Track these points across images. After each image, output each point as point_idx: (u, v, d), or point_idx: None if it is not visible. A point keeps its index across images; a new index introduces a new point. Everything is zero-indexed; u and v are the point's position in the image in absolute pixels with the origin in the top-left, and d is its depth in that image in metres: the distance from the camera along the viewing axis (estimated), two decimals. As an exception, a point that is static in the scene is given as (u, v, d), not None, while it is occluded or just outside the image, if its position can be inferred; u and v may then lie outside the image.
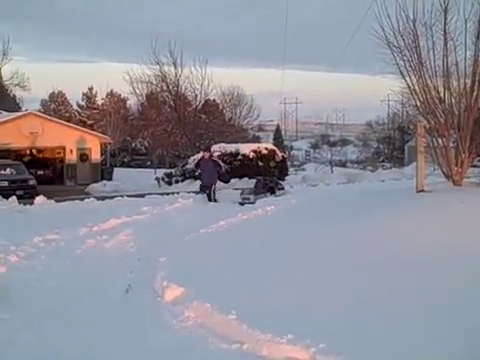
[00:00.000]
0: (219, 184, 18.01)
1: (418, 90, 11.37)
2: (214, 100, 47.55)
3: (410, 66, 11.32)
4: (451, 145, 11.30)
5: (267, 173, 20.00)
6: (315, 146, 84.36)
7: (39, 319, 6.04)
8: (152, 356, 5.03)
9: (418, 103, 11.65)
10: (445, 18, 10.83)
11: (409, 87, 11.52)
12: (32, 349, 5.19)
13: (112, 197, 18.57)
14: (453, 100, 11.31)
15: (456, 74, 11.10)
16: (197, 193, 17.14)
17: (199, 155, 18.43)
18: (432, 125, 11.43)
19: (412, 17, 11.01)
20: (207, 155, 17.88)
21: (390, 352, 4.44)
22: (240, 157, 27.72)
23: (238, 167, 26.97)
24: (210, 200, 16.69)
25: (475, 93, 10.92)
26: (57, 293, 7.06)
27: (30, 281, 7.55)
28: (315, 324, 5.04)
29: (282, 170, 27.27)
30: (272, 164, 24.00)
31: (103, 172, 32.92)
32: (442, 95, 11.22)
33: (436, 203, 9.27)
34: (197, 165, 17.94)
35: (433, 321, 4.88)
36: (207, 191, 16.94)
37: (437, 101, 11.27)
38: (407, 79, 11.46)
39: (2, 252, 8.70)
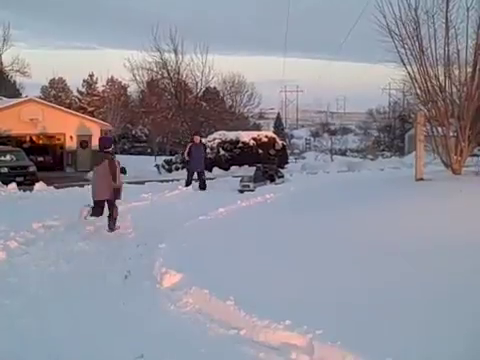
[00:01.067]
0: (219, 171, 17.97)
1: (419, 78, 11.33)
2: (215, 87, 47.42)
3: (411, 54, 11.28)
4: (451, 134, 11.29)
5: (267, 161, 19.97)
6: (315, 134, 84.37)
7: (38, 305, 6.09)
8: (150, 341, 5.07)
9: (419, 92, 11.61)
10: (447, 6, 10.77)
11: (410, 75, 11.49)
12: (32, 334, 5.23)
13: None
14: (454, 89, 11.28)
15: (457, 63, 11.07)
16: (187, 184, 16.64)
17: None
18: (432, 114, 11.41)
19: (414, 5, 10.97)
20: (198, 139, 17.50)
21: (387, 338, 4.47)
22: (240, 145, 27.76)
23: (238, 155, 27.03)
24: (204, 187, 16.63)
25: (476, 82, 10.88)
26: (56, 279, 7.10)
27: (29, 267, 7.59)
28: (313, 311, 5.07)
29: (282, 158, 27.28)
30: (272, 152, 23.94)
31: (103, 159, 32.92)
32: (443, 84, 11.19)
33: (435, 191, 9.28)
34: (189, 153, 16.95)
35: (433, 308, 4.91)
36: (203, 177, 16.92)
37: (438, 90, 11.24)
38: (408, 67, 11.42)
39: (2, 238, 8.74)
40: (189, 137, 35.60)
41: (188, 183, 16.70)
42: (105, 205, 10.37)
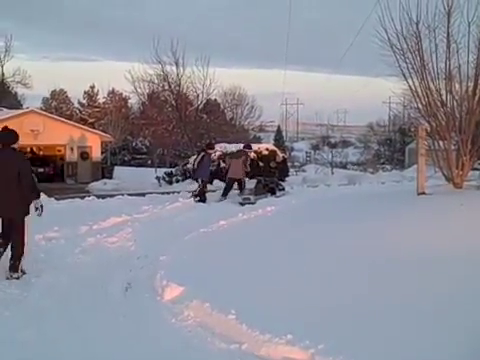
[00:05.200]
0: (220, 183, 17.94)
1: (420, 92, 11.33)
2: (215, 100, 47.54)
3: (412, 68, 11.29)
4: (452, 148, 11.28)
5: (268, 173, 19.94)
6: (316, 147, 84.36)
7: (38, 316, 6.05)
8: (151, 355, 5.04)
9: (420, 106, 11.61)
10: (448, 21, 10.80)
11: (411, 89, 11.48)
12: (32, 346, 5.20)
13: (112, 195, 18.56)
14: (455, 103, 11.28)
15: (458, 77, 11.08)
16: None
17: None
18: (433, 128, 11.41)
19: (415, 19, 10.99)
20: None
21: (389, 353, 4.44)
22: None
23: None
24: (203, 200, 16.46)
25: (477, 96, 10.89)
26: (56, 291, 7.05)
27: (29, 279, 7.54)
28: (314, 325, 5.05)
29: (283, 171, 27.24)
30: (273, 165, 23.90)
31: (104, 170, 33.01)
32: (444, 98, 11.20)
33: (437, 206, 9.26)
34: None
35: (434, 323, 4.87)
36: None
37: (439, 104, 11.24)
38: (409, 81, 11.43)
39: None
40: (189, 149, 35.86)
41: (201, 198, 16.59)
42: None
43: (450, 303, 5.25)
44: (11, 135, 7.84)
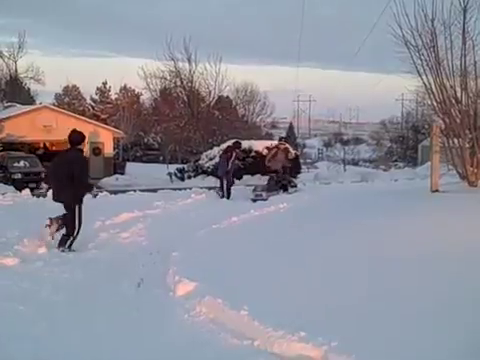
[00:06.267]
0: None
1: (434, 89, 11.27)
2: (227, 96, 47.54)
3: (427, 65, 11.23)
4: (467, 145, 11.20)
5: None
6: (328, 144, 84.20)
7: (52, 311, 6.06)
8: (163, 350, 5.03)
9: (434, 103, 11.55)
10: (464, 17, 10.74)
11: (426, 86, 11.43)
12: (45, 340, 5.21)
13: (124, 191, 18.62)
14: (470, 100, 11.20)
15: (474, 74, 11.00)
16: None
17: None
18: (448, 125, 11.33)
19: (430, 16, 10.93)
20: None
21: (402, 351, 4.40)
22: (253, 154, 27.70)
23: (251, 164, 26.95)
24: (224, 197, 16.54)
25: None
26: (69, 285, 7.08)
27: (43, 273, 7.59)
28: (328, 322, 5.02)
29: (295, 168, 27.19)
30: (285, 161, 23.91)
31: (116, 166, 33.10)
32: (459, 95, 11.12)
33: (451, 203, 9.19)
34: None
35: (448, 323, 4.83)
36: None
37: (453, 101, 11.17)
38: (424, 78, 11.37)
39: (15, 244, 8.76)
40: (201, 146, 35.87)
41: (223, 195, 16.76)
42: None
43: (467, 306, 5.20)
44: (79, 137, 8.91)
